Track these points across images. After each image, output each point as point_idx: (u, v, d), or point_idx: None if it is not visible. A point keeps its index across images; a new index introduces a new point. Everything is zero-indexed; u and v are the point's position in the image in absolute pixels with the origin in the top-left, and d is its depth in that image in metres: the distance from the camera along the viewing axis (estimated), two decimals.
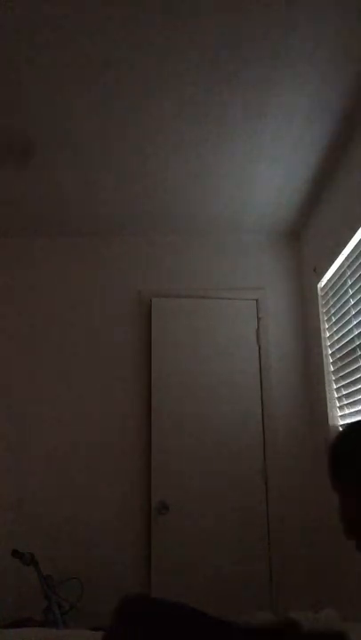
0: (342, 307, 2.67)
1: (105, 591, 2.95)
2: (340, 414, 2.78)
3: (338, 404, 2.80)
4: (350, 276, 2.56)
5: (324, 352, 2.95)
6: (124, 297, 3.44)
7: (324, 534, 2.96)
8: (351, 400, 2.59)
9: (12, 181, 2.84)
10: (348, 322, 2.57)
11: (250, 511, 3.06)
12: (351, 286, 2.56)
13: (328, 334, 2.93)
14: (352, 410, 2.58)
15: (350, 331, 2.54)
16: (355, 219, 2.43)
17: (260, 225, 3.40)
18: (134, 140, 2.49)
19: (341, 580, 2.62)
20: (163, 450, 3.10)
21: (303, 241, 3.42)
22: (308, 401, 3.26)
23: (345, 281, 2.63)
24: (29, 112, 2.27)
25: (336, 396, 2.82)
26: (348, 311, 2.58)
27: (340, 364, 2.70)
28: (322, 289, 3.04)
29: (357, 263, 2.46)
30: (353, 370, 2.52)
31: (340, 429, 1.06)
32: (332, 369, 2.87)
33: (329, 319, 2.91)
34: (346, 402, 2.66)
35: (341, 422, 2.75)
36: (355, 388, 2.51)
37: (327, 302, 2.93)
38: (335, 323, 2.77)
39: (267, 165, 2.71)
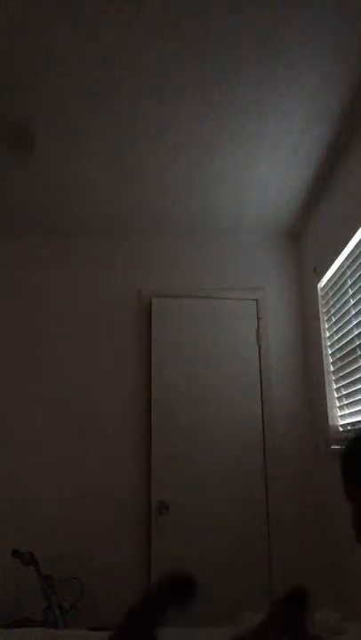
0: (342, 307, 2.67)
1: (105, 591, 2.95)
2: (340, 414, 2.78)
3: (338, 404, 2.80)
4: (350, 276, 2.56)
5: (324, 352, 2.95)
6: (124, 297, 3.44)
7: (323, 534, 2.96)
8: (351, 400, 2.59)
9: (13, 182, 2.84)
10: (348, 322, 2.57)
11: (250, 511, 3.06)
12: (351, 286, 2.56)
13: (328, 334, 2.93)
14: (352, 410, 2.58)
15: (350, 331, 2.54)
16: (355, 219, 2.43)
17: (260, 225, 3.40)
18: (134, 140, 2.49)
19: (341, 580, 2.62)
20: (163, 450, 3.10)
21: (303, 241, 3.42)
22: (308, 401, 3.26)
23: (345, 281, 2.63)
24: (31, 114, 2.27)
25: (336, 395, 2.82)
26: (348, 311, 2.58)
27: (340, 364, 2.70)
28: (322, 289, 3.04)
29: (357, 263, 2.46)
30: (353, 370, 2.52)
31: (351, 436, 1.05)
32: (332, 369, 2.87)
33: (329, 319, 2.91)
34: (346, 402, 2.66)
35: (341, 422, 2.75)
36: (355, 388, 2.51)
37: (327, 302, 2.93)
38: (335, 323, 2.77)
39: (267, 165, 2.71)
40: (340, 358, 2.67)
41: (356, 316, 2.48)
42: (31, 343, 3.35)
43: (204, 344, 3.29)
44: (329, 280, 2.91)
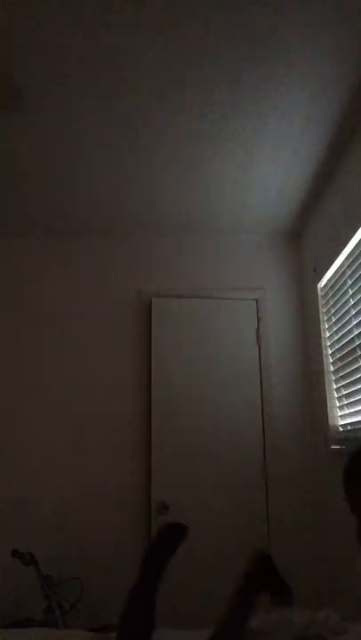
0: (342, 307, 2.67)
1: (105, 591, 2.95)
2: (340, 414, 2.78)
3: (338, 404, 2.80)
4: (350, 276, 2.56)
5: (324, 352, 2.95)
6: (124, 297, 3.44)
7: (324, 534, 2.96)
8: (351, 400, 2.59)
9: (13, 182, 2.84)
10: (349, 322, 2.57)
11: (250, 511, 3.06)
12: (351, 286, 2.56)
13: (328, 334, 2.93)
14: (352, 410, 2.58)
15: (350, 331, 2.54)
16: (355, 219, 2.43)
17: (260, 225, 3.40)
18: (134, 139, 2.49)
19: (342, 580, 2.62)
20: (163, 450, 3.10)
21: (303, 241, 3.42)
22: (308, 401, 3.26)
23: (345, 281, 2.63)
24: (31, 113, 2.27)
25: (336, 395, 2.82)
26: (348, 311, 2.58)
27: (340, 364, 2.70)
28: (322, 289, 3.04)
29: (357, 263, 2.46)
30: (353, 370, 2.52)
31: (353, 450, 1.07)
32: (332, 369, 2.87)
33: (329, 319, 2.91)
34: (346, 402, 2.67)
35: (341, 422, 2.75)
36: (355, 388, 2.51)
37: (327, 302, 2.93)
38: (335, 323, 2.77)
39: (267, 165, 2.71)
40: (340, 358, 2.67)
41: (356, 316, 2.48)
42: (31, 343, 3.35)
43: (204, 344, 3.29)
44: (329, 280, 2.91)
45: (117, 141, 2.50)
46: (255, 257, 3.52)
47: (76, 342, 3.36)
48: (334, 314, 2.79)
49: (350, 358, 2.54)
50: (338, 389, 2.79)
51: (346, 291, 2.62)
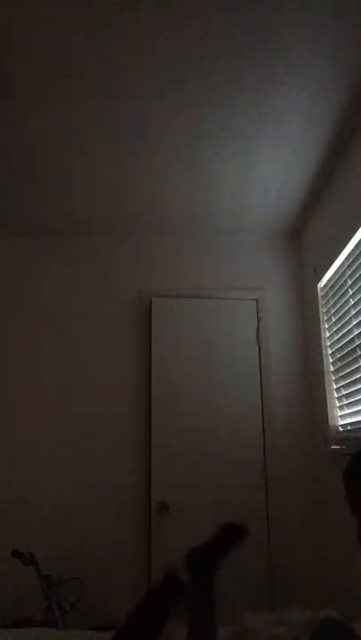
0: (342, 307, 2.67)
1: (105, 591, 2.95)
2: (340, 414, 2.78)
3: (338, 404, 2.80)
4: (350, 276, 2.56)
5: (324, 352, 2.95)
6: (124, 297, 3.44)
7: (324, 534, 2.96)
8: (351, 400, 2.59)
9: (13, 182, 2.84)
10: (349, 322, 2.57)
11: (250, 511, 3.05)
12: (351, 286, 2.56)
13: (328, 334, 2.93)
14: (352, 410, 2.58)
15: (350, 331, 2.54)
16: (355, 219, 2.43)
17: (260, 225, 3.40)
18: (135, 140, 2.49)
19: (342, 580, 2.62)
20: (163, 450, 3.10)
21: (303, 241, 3.42)
22: (308, 401, 3.26)
23: (345, 281, 2.63)
24: (31, 113, 2.27)
25: (336, 395, 2.82)
26: (348, 311, 2.58)
27: (340, 364, 2.70)
28: (322, 289, 3.04)
29: (357, 263, 2.46)
30: (353, 370, 2.52)
31: (354, 452, 1.09)
32: (332, 369, 2.87)
33: (329, 319, 2.91)
34: (346, 402, 2.67)
35: (341, 422, 2.75)
36: (355, 388, 2.51)
37: (327, 302, 2.93)
38: (335, 323, 2.77)
39: (267, 165, 2.71)
40: (340, 358, 2.67)
41: (356, 316, 2.48)
42: (31, 343, 3.35)
43: (204, 344, 3.29)
44: (329, 280, 2.91)
45: (117, 141, 2.50)
46: (255, 257, 3.52)
47: (76, 342, 3.36)
48: (334, 314, 2.79)
49: (350, 358, 2.54)
50: (338, 389, 2.79)
51: (346, 291, 2.62)
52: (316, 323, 3.08)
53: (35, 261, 3.50)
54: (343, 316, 2.65)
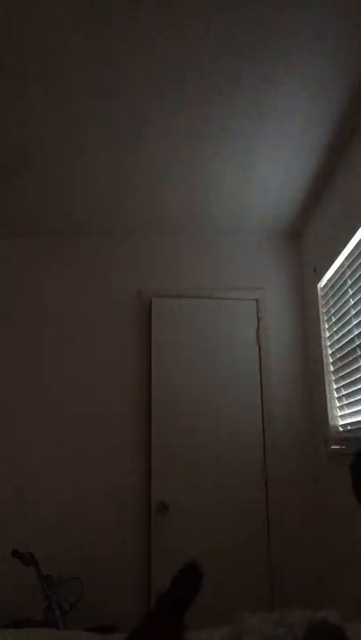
0: (342, 307, 2.67)
1: (105, 591, 2.95)
2: (340, 414, 2.78)
3: (338, 404, 2.80)
4: (350, 276, 2.56)
5: (324, 352, 2.95)
6: (124, 297, 3.44)
7: (324, 534, 2.96)
8: (351, 400, 2.59)
9: (14, 182, 2.84)
10: (349, 322, 2.57)
11: (250, 511, 3.06)
12: (351, 286, 2.56)
13: (328, 334, 2.93)
14: (352, 410, 2.58)
15: (350, 331, 2.54)
16: (355, 219, 2.43)
17: (260, 225, 3.40)
18: (135, 141, 2.49)
19: (341, 580, 2.62)
20: (163, 450, 3.10)
21: (303, 241, 3.42)
22: (308, 401, 3.26)
23: (345, 281, 2.63)
24: (31, 113, 2.27)
25: (336, 395, 2.82)
26: (348, 311, 2.58)
27: (340, 364, 2.70)
28: (322, 289, 3.04)
29: (357, 263, 2.46)
30: (353, 370, 2.52)
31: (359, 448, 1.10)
32: (332, 369, 2.87)
33: (329, 319, 2.91)
34: (346, 402, 2.66)
35: (341, 422, 2.75)
36: (355, 388, 2.51)
37: (327, 302, 2.93)
38: (335, 323, 2.77)
39: (267, 165, 2.71)
40: (340, 358, 2.67)
41: (356, 315, 2.48)
42: (31, 343, 3.35)
43: (204, 344, 3.29)
44: (329, 280, 2.91)
45: (117, 141, 2.50)
46: (255, 257, 3.52)
47: (76, 342, 3.36)
48: (334, 314, 2.79)
49: (350, 358, 2.54)
50: (338, 389, 2.79)
51: (346, 291, 2.62)
52: (316, 323, 3.08)
53: (35, 261, 3.50)
54: (343, 316, 2.65)
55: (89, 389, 3.28)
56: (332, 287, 2.84)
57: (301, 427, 3.23)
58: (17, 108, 2.24)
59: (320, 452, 3.02)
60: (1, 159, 2.63)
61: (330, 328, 2.89)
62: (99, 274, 3.48)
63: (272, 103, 2.22)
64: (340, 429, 2.75)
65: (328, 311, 2.92)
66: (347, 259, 2.61)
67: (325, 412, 2.87)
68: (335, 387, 2.82)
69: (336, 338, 2.75)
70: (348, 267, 2.58)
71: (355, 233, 2.43)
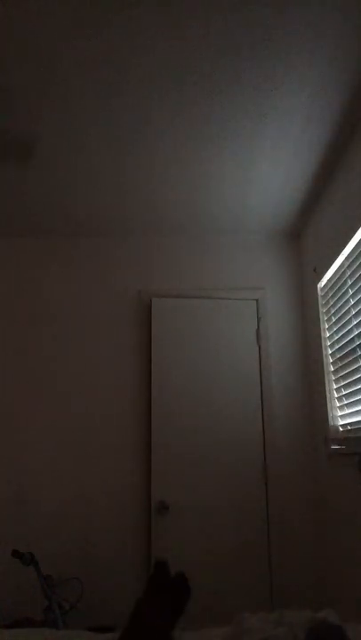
0: (342, 307, 2.67)
1: (105, 591, 2.95)
2: (340, 414, 2.78)
3: (338, 404, 2.80)
4: (350, 276, 2.56)
5: (324, 352, 2.95)
6: (124, 297, 3.44)
7: (323, 534, 2.96)
8: (351, 400, 2.59)
9: (14, 182, 2.84)
10: (349, 322, 2.57)
11: (250, 511, 3.06)
12: (351, 286, 2.56)
13: (328, 334, 2.93)
14: (352, 410, 2.58)
15: (350, 331, 2.54)
16: (355, 219, 2.43)
17: (260, 225, 3.40)
18: (135, 140, 2.49)
19: (341, 580, 2.62)
20: (163, 450, 3.10)
21: (303, 241, 3.42)
22: (308, 401, 3.26)
23: (345, 281, 2.63)
24: (31, 113, 2.27)
25: (336, 395, 2.82)
26: (348, 311, 2.58)
27: (340, 364, 2.70)
28: (322, 289, 3.04)
29: (357, 263, 2.46)
30: (353, 370, 2.52)
31: None
32: (332, 369, 2.87)
33: (329, 319, 2.91)
34: (346, 402, 2.66)
35: (341, 422, 2.75)
36: (355, 388, 2.51)
37: (327, 302, 2.93)
38: (335, 323, 2.77)
39: (267, 165, 2.71)
40: (340, 358, 2.67)
41: (356, 315, 2.48)
42: (31, 343, 3.35)
43: (204, 344, 3.29)
44: (329, 280, 2.91)
45: (117, 141, 2.50)
46: (255, 257, 3.52)
47: (76, 342, 3.36)
48: (334, 314, 2.79)
49: (350, 358, 2.54)
50: (338, 389, 2.79)
51: (346, 291, 2.62)
52: (316, 323, 3.08)
53: (35, 261, 3.50)
54: (343, 316, 2.65)
55: (89, 389, 3.28)
56: (332, 287, 2.84)
57: (301, 427, 3.23)
58: (17, 107, 2.24)
59: (320, 451, 3.02)
60: (1, 159, 2.62)
61: (330, 328, 2.89)
62: (99, 274, 3.48)
63: (272, 103, 2.22)
64: (340, 429, 2.75)
65: (328, 311, 2.92)
66: (347, 259, 2.61)
67: (325, 412, 2.87)
68: (335, 387, 2.82)
69: (336, 338, 2.75)
70: (349, 267, 2.58)
71: (355, 233, 2.43)
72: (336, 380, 2.80)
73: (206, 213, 3.25)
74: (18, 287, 3.45)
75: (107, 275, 3.48)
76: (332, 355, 2.83)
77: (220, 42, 1.89)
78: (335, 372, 2.80)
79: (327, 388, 2.88)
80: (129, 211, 3.21)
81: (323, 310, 3.01)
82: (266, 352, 3.32)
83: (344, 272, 2.64)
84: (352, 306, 2.52)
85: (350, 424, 2.58)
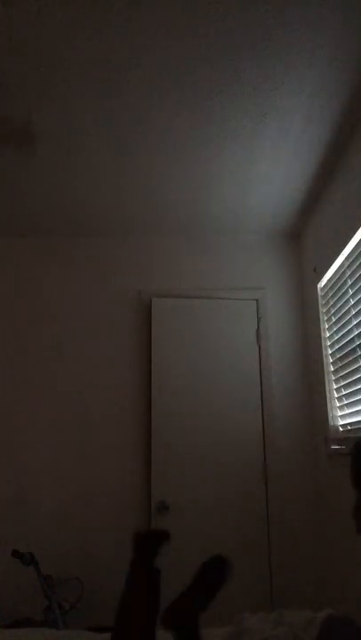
0: (342, 307, 2.67)
1: (105, 591, 2.95)
2: (340, 414, 2.78)
3: (338, 404, 2.80)
4: (350, 276, 2.56)
5: (324, 352, 2.95)
6: (124, 297, 3.44)
7: (324, 534, 2.96)
8: (351, 400, 2.59)
9: (13, 182, 2.84)
10: (349, 322, 2.57)
11: (250, 511, 3.06)
12: (351, 286, 2.56)
13: (328, 334, 2.93)
14: (352, 410, 2.58)
15: (350, 331, 2.54)
16: (355, 219, 2.43)
17: (260, 225, 3.40)
18: (134, 140, 2.49)
19: (341, 580, 2.62)
20: (163, 450, 3.10)
21: (303, 241, 3.42)
22: (308, 401, 3.26)
23: (345, 281, 2.63)
24: (31, 113, 2.27)
25: (336, 395, 2.82)
26: (348, 311, 2.58)
27: (340, 364, 2.70)
28: (322, 289, 3.04)
29: (357, 263, 2.46)
30: (353, 370, 2.52)
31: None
32: (332, 369, 2.87)
33: (329, 319, 2.91)
34: (346, 402, 2.66)
35: (341, 422, 2.75)
36: (355, 388, 2.51)
37: (327, 302, 2.93)
38: (335, 323, 2.77)
39: (267, 165, 2.71)
40: (340, 358, 2.67)
41: (356, 315, 2.48)
42: (31, 343, 3.35)
43: (204, 344, 3.29)
44: (329, 280, 2.91)
45: (117, 141, 2.50)
46: (255, 257, 3.52)
47: (76, 342, 3.36)
48: (334, 314, 2.79)
49: (350, 358, 2.54)
50: (338, 389, 2.79)
51: (346, 291, 2.62)
52: (316, 323, 3.08)
53: (35, 261, 3.50)
54: (343, 316, 2.65)
55: (89, 389, 3.28)
56: (332, 287, 2.84)
57: (301, 427, 3.23)
58: (17, 107, 2.24)
59: (320, 451, 3.02)
60: (1, 159, 2.62)
61: (330, 328, 2.89)
62: (99, 274, 3.48)
63: (272, 103, 2.22)
64: (341, 429, 2.75)
65: (328, 311, 2.92)
66: (347, 259, 2.61)
67: (325, 412, 2.87)
68: (335, 387, 2.82)
69: (336, 338, 2.75)
70: (349, 267, 2.58)
71: (355, 233, 2.43)
72: (336, 380, 2.80)
73: (206, 213, 3.25)
74: (18, 287, 3.45)
75: (107, 275, 3.48)
76: (333, 355, 2.83)
77: (220, 42, 1.89)
78: (335, 371, 2.80)
79: (327, 388, 2.88)
80: (129, 211, 3.21)
81: (323, 310, 3.01)
82: (266, 352, 3.32)
83: (344, 272, 2.64)
84: (352, 306, 2.52)
85: (350, 424, 2.58)
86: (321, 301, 3.04)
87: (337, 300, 2.75)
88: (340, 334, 2.70)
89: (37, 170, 2.73)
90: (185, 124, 2.37)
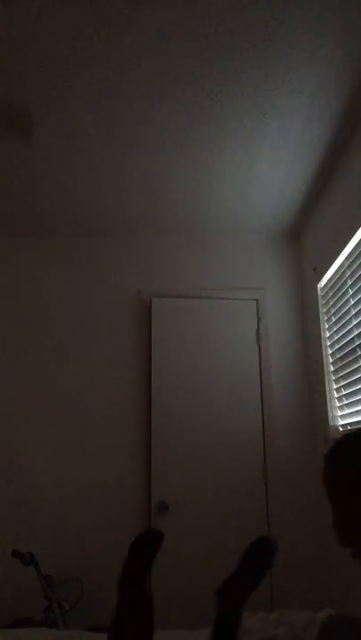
0: (342, 307, 2.67)
1: (105, 591, 2.94)
2: (340, 414, 2.78)
3: (338, 404, 2.81)
4: (350, 276, 2.57)
5: (324, 352, 2.95)
6: (124, 297, 3.44)
7: (323, 534, 2.96)
8: (351, 400, 2.59)
9: (13, 181, 2.84)
10: (349, 322, 2.57)
11: (250, 511, 3.06)
12: (351, 286, 2.56)
13: (328, 334, 2.93)
14: (352, 410, 2.58)
15: (350, 331, 2.54)
16: (355, 219, 2.43)
17: (260, 225, 3.40)
18: (135, 140, 2.49)
19: (341, 580, 2.62)
20: (163, 450, 3.10)
21: (303, 241, 3.42)
22: (308, 401, 3.26)
23: (345, 281, 2.63)
24: (31, 113, 2.27)
25: (336, 395, 2.82)
26: (348, 311, 2.58)
27: (340, 364, 2.70)
28: (322, 289, 3.04)
29: (357, 263, 2.46)
30: (353, 370, 2.52)
31: (337, 439, 1.09)
32: (332, 369, 2.87)
33: (329, 319, 2.91)
34: (346, 402, 2.67)
35: (341, 422, 2.75)
36: (355, 388, 2.51)
37: (327, 302, 2.93)
38: (335, 323, 2.77)
39: (267, 165, 2.71)
40: (340, 358, 2.67)
41: (356, 315, 2.48)
42: (31, 343, 3.35)
43: (204, 344, 3.29)
44: (329, 280, 2.91)
45: (117, 141, 2.50)
46: (255, 257, 3.52)
47: (76, 342, 3.36)
48: (334, 314, 2.79)
49: (350, 358, 2.54)
50: (338, 389, 2.79)
51: (346, 291, 2.62)
52: (316, 323, 3.08)
53: (35, 261, 3.50)
54: (343, 316, 2.65)
55: (89, 389, 3.28)
56: (332, 287, 2.84)
57: (301, 427, 3.23)
58: (17, 108, 2.23)
59: (320, 452, 3.02)
60: (0, 159, 2.62)
61: (330, 328, 2.89)
62: (99, 274, 3.48)
63: (272, 103, 2.22)
64: (341, 429, 2.75)
65: (328, 311, 2.92)
66: (347, 259, 2.62)
67: (325, 412, 2.87)
68: (335, 387, 2.82)
69: (336, 338, 2.75)
70: (349, 267, 2.58)
71: (355, 233, 2.43)
72: (336, 380, 2.80)
73: (206, 213, 3.25)
74: (18, 287, 3.45)
75: (107, 275, 3.48)
76: (333, 355, 2.83)
77: (220, 42, 1.89)
78: (335, 371, 2.80)
79: (327, 388, 2.88)
80: (129, 211, 3.21)
81: (323, 310, 3.01)
82: (266, 352, 3.32)
83: (344, 272, 2.64)
84: (352, 306, 2.52)
85: (350, 424, 2.58)
86: (321, 301, 3.04)
87: (337, 300, 2.75)
88: (340, 334, 2.70)
89: (37, 170, 2.73)
90: (185, 124, 2.37)
